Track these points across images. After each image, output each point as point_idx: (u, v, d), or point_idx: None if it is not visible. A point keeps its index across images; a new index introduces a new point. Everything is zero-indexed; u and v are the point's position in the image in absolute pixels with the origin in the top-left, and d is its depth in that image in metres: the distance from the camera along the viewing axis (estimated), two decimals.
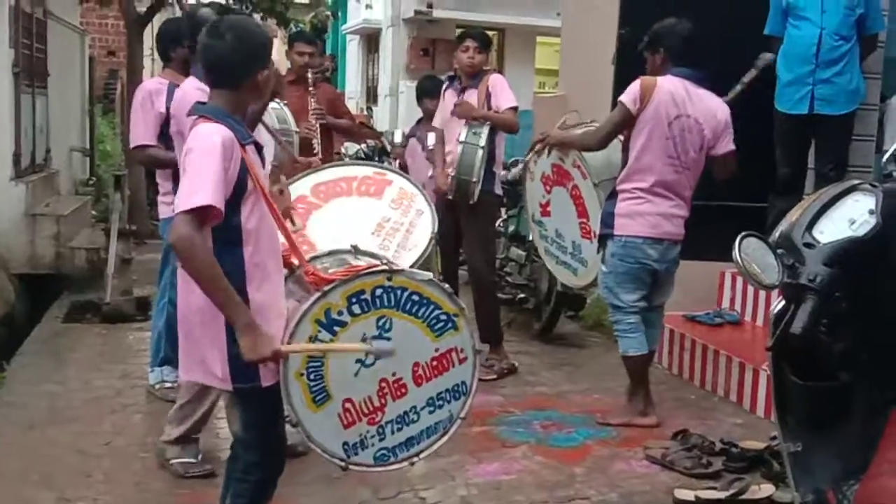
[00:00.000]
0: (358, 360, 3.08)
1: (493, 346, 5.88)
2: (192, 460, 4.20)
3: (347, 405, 3.09)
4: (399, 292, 3.10)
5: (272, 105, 5.69)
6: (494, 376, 5.71)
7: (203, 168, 2.76)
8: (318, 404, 3.03)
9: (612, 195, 4.82)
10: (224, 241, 2.85)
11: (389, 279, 3.09)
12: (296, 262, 3.19)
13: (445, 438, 3.32)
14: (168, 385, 5.21)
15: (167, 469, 4.20)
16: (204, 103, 3.00)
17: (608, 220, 4.81)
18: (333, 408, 3.06)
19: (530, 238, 6.45)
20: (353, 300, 3.03)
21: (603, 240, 4.86)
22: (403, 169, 7.79)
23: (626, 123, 4.72)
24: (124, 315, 7.01)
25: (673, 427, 4.79)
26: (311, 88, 6.36)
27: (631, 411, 4.98)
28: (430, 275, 3.23)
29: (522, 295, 7.15)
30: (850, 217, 2.76)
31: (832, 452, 2.81)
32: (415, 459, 3.29)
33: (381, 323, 3.10)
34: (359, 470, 3.23)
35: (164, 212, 5.17)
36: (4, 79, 8.08)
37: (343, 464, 3.15)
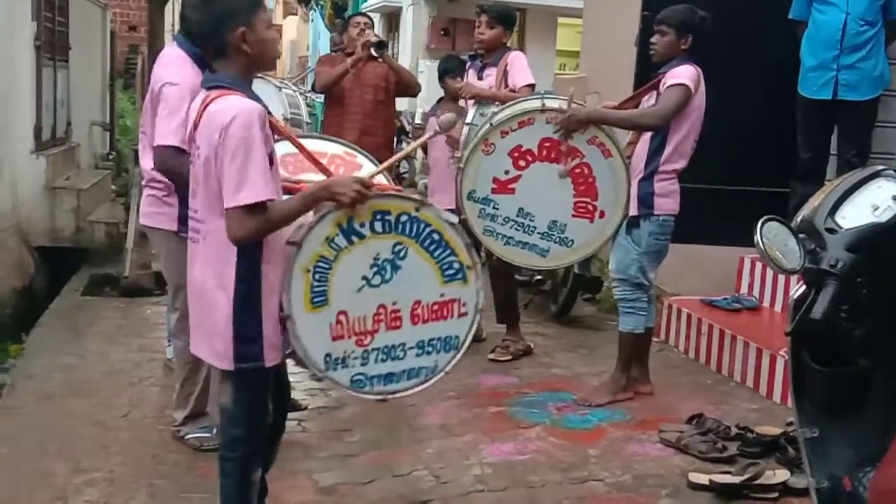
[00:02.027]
0: (363, 277, 3.10)
1: (510, 328, 5.89)
2: (207, 434, 4.21)
3: (341, 317, 3.10)
4: (422, 225, 3.13)
5: (286, 91, 5.69)
6: (510, 357, 5.72)
7: (248, 157, 2.74)
8: (314, 305, 3.04)
9: (649, 176, 4.81)
10: None
11: (417, 209, 3.12)
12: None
13: (424, 387, 3.33)
14: None
15: (185, 444, 4.25)
16: (214, 73, 2.94)
17: (647, 199, 4.81)
18: (327, 314, 3.07)
19: None
20: (378, 216, 3.06)
21: (636, 220, 4.86)
22: (424, 149, 7.78)
23: (684, 107, 4.73)
24: (142, 289, 7.05)
25: (688, 411, 4.78)
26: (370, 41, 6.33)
27: (614, 389, 5.03)
28: (455, 218, 3.23)
29: (539, 277, 7.15)
30: (873, 203, 2.74)
31: (849, 439, 2.80)
32: (388, 397, 3.30)
33: (396, 249, 3.13)
34: (332, 384, 3.23)
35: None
36: (26, 52, 8.10)
37: (320, 374, 3.16)
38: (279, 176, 2.97)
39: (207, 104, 2.83)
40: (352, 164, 4.42)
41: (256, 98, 2.92)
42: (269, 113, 2.99)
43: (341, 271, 3.05)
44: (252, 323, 2.89)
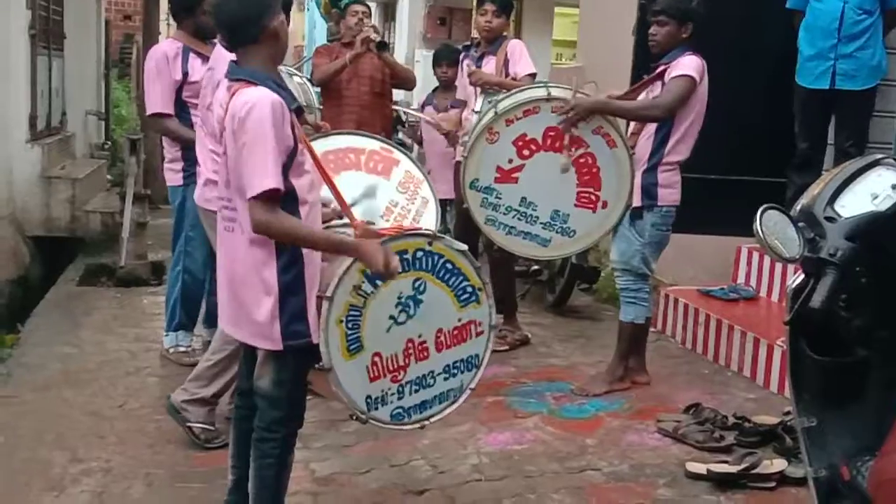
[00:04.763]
0: (391, 317, 3.23)
1: (507, 318, 5.88)
2: (212, 428, 4.14)
3: (376, 359, 3.24)
4: (436, 258, 3.28)
5: (297, 80, 5.68)
6: (507, 347, 5.71)
7: (261, 148, 2.79)
8: (351, 353, 3.17)
9: (653, 167, 4.80)
10: (285, 205, 2.87)
11: (430, 244, 3.27)
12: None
13: (454, 407, 3.49)
14: (182, 349, 5.24)
15: (186, 431, 4.13)
16: (235, 63, 2.98)
17: (651, 190, 4.81)
18: (364, 359, 3.20)
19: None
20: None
21: (639, 211, 4.85)
22: (419, 139, 7.77)
23: (689, 98, 4.71)
24: (139, 279, 7.04)
25: (685, 401, 4.79)
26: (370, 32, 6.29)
27: (611, 379, 5.05)
28: (464, 246, 3.36)
29: (536, 267, 7.14)
30: (872, 192, 2.73)
31: (847, 428, 2.80)
32: (425, 423, 3.44)
33: (416, 284, 3.27)
34: (375, 425, 3.35)
35: (170, 179, 5.13)
36: (21, 40, 8.05)
37: (364, 416, 3.27)
38: (308, 173, 2.99)
39: (232, 96, 2.88)
40: (389, 159, 4.45)
41: (284, 87, 2.97)
42: (296, 101, 3.02)
43: (370, 316, 3.19)
44: (299, 304, 2.96)
